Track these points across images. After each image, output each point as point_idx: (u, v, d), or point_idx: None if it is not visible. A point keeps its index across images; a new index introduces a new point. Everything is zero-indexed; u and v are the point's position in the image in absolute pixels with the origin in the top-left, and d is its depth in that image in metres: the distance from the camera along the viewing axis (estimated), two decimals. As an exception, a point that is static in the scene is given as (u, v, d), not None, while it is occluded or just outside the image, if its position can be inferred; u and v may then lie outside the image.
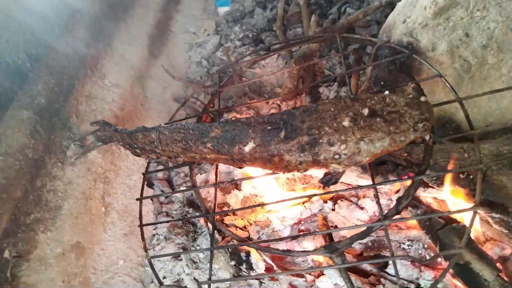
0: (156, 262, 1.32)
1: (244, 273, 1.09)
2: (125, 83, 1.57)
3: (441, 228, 0.99)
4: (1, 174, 1.02)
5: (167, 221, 1.09)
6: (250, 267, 1.09)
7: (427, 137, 0.85)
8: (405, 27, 1.10)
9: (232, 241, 1.14)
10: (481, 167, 0.81)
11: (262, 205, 0.93)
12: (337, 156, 0.87)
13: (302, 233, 1.15)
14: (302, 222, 1.23)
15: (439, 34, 1.05)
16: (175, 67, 1.89)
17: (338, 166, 0.90)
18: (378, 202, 0.86)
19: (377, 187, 0.88)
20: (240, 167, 1.03)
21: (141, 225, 1.05)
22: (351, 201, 1.22)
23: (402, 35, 1.11)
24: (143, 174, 1.17)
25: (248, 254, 1.09)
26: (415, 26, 1.08)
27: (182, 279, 1.25)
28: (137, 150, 1.18)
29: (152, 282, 1.32)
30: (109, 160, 1.40)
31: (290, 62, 1.65)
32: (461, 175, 0.97)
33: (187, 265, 1.26)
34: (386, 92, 0.92)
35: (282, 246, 1.11)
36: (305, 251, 0.85)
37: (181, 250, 1.30)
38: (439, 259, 1.07)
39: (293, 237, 0.90)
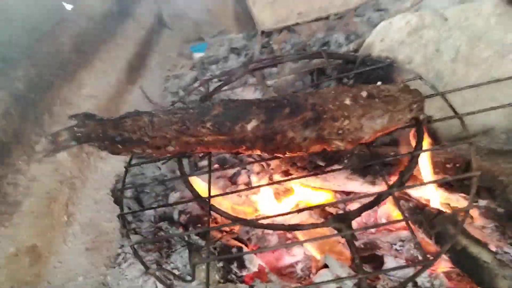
0: (123, 281, 1.14)
1: (234, 274, 0.98)
2: (101, 96, 1.52)
3: (434, 217, 1.00)
4: (-37, 145, 0.89)
5: (156, 208, 0.99)
6: (241, 265, 0.98)
7: (422, 116, 0.92)
8: (384, 44, 1.25)
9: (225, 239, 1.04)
10: (472, 140, 0.88)
11: (259, 186, 0.89)
12: (340, 132, 0.90)
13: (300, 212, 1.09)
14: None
15: (414, 49, 1.20)
16: (151, 97, 1.88)
17: (341, 143, 0.91)
18: (382, 175, 0.87)
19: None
20: (237, 153, 1.00)
21: (122, 214, 0.94)
22: (338, 207, 1.20)
23: (381, 51, 1.24)
24: (125, 167, 1.08)
25: (239, 250, 0.99)
26: (392, 43, 1.23)
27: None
28: (119, 145, 1.11)
29: (115, 306, 1.13)
30: (78, 167, 1.28)
31: (267, 93, 1.73)
32: (447, 165, 1.03)
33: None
34: (379, 83, 1.00)
35: (274, 239, 1.03)
36: (313, 224, 0.81)
37: (154, 266, 1.15)
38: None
39: (298, 211, 0.85)
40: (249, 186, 1.14)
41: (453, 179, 0.91)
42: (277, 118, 0.91)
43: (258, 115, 0.93)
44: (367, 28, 2.17)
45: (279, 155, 0.96)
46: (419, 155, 0.89)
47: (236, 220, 0.86)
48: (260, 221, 0.85)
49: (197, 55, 2.31)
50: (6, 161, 1.03)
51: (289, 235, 1.16)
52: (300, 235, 1.09)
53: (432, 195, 1.01)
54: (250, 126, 0.93)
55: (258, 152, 0.98)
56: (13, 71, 1.11)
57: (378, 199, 0.83)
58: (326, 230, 1.03)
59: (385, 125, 0.90)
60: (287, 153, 0.95)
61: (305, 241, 0.88)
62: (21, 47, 1.22)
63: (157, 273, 0.91)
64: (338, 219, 0.81)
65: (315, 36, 2.17)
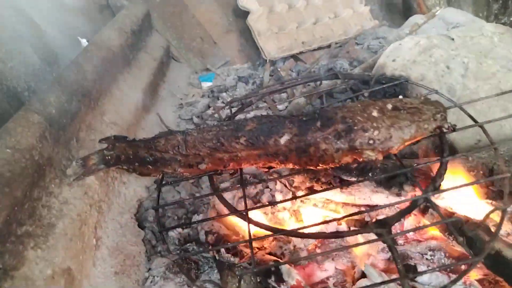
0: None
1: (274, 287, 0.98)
2: (122, 123, 1.55)
3: (463, 225, 1.03)
4: (8, 167, 0.90)
5: (200, 222, 0.99)
6: (279, 279, 0.98)
7: (446, 125, 0.97)
8: (396, 64, 1.32)
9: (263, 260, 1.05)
10: (496, 146, 0.92)
11: (296, 197, 0.91)
12: (371, 142, 0.94)
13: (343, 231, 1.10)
14: (320, 245, 1.18)
15: (425, 67, 1.27)
16: (166, 124, 1.92)
17: (372, 153, 0.95)
18: (417, 182, 0.90)
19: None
20: (270, 168, 1.03)
21: (162, 230, 0.95)
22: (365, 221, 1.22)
23: (394, 70, 1.32)
24: (158, 184, 1.10)
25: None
26: (404, 62, 1.31)
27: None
28: (149, 166, 1.14)
29: (147, 331, 1.11)
30: (104, 190, 1.29)
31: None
32: (471, 173, 1.07)
33: (193, 301, 1.10)
34: (400, 97, 1.06)
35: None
36: (355, 230, 0.83)
37: (185, 287, 1.14)
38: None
39: (339, 219, 0.87)
40: (279, 200, 1.16)
41: (485, 180, 0.95)
42: (310, 131, 0.96)
43: (291, 128, 0.97)
44: (368, 55, 2.29)
45: (311, 167, 0.99)
46: (447, 161, 0.93)
47: (276, 230, 0.88)
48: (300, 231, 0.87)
49: (206, 85, 2.39)
50: (41, 184, 1.04)
51: (318, 250, 1.17)
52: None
53: (465, 200, 1.04)
54: (283, 140, 0.97)
55: (291, 166, 1.01)
56: (46, 96, 1.15)
57: (415, 204, 0.86)
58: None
59: (413, 134, 0.95)
60: (320, 164, 0.98)
61: (348, 247, 0.89)
62: (51, 74, 1.27)
63: (205, 285, 0.91)
64: (379, 224, 0.83)
65: (319, 63, 2.27)
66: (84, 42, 2.04)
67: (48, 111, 1.12)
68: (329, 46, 2.43)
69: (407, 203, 0.99)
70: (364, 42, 2.44)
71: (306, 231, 0.96)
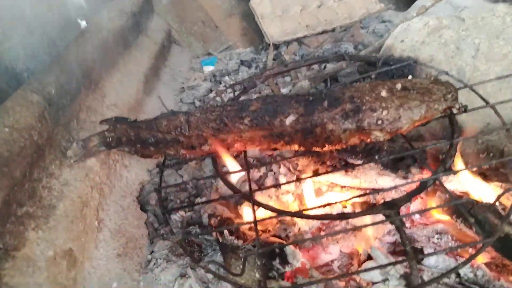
0: (157, 286, 1.12)
1: (276, 271, 0.97)
2: (123, 106, 1.53)
3: (472, 207, 1.01)
4: (6, 146, 0.88)
5: (204, 203, 0.97)
6: (284, 261, 0.97)
7: (457, 106, 0.94)
8: (404, 45, 1.29)
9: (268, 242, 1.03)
10: (508, 127, 0.90)
11: (299, 179, 0.89)
12: (380, 122, 0.91)
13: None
14: (325, 228, 1.17)
15: (435, 48, 1.24)
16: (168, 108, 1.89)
17: (380, 133, 0.93)
18: (426, 163, 0.88)
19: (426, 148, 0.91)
20: (275, 149, 1.00)
21: (165, 212, 0.93)
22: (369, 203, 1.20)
23: (402, 52, 1.28)
24: (159, 167, 1.08)
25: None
26: (413, 43, 1.27)
27: (192, 299, 1.06)
28: (151, 147, 1.11)
29: (149, 313, 1.10)
30: (106, 173, 1.27)
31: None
32: (481, 155, 1.04)
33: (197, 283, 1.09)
34: (410, 77, 1.03)
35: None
36: (362, 211, 0.81)
37: (188, 269, 1.13)
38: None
39: (348, 199, 0.85)
40: (283, 182, 1.13)
41: (496, 162, 0.92)
42: (316, 111, 0.93)
43: (297, 108, 0.94)
44: (373, 38, 2.24)
45: (317, 149, 0.97)
46: (457, 142, 0.91)
47: (281, 212, 0.86)
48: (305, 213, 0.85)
49: (208, 69, 2.35)
50: (41, 164, 1.02)
51: (322, 232, 1.15)
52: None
53: (472, 183, 1.02)
54: (289, 120, 0.95)
55: (296, 147, 0.99)
56: (45, 76, 1.12)
57: (424, 186, 0.84)
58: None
59: (423, 114, 0.92)
60: (326, 145, 0.96)
61: (355, 228, 0.88)
62: (50, 54, 1.24)
63: (209, 266, 0.89)
64: (387, 206, 0.81)
65: (324, 47, 2.22)
66: (83, 24, 2.00)
67: (47, 90, 1.09)
68: (333, 29, 2.38)
69: (414, 186, 0.97)
70: (370, 26, 2.40)
71: (311, 213, 0.95)
